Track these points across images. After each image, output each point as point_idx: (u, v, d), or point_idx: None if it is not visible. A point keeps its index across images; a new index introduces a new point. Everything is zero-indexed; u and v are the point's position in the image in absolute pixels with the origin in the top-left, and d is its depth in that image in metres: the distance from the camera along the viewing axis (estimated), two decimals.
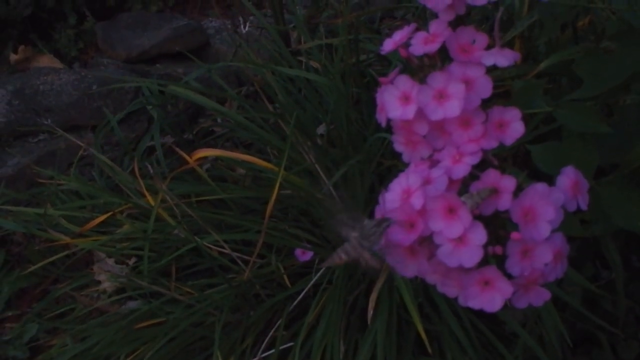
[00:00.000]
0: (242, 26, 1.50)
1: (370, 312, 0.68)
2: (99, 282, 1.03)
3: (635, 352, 0.82)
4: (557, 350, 0.71)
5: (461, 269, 0.34)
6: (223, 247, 0.96)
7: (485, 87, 0.36)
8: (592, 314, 0.82)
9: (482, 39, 0.36)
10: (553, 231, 0.34)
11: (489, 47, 0.36)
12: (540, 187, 0.34)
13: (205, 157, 1.26)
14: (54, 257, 1.04)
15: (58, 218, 1.05)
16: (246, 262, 0.94)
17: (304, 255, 0.99)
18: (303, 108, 1.11)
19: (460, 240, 0.33)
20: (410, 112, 0.36)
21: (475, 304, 0.34)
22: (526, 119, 0.38)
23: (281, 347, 0.81)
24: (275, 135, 1.06)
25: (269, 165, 0.94)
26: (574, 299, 0.85)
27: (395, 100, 0.36)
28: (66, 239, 1.02)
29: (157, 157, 1.21)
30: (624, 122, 0.51)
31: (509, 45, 0.89)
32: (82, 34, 1.61)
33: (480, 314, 0.76)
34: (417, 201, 0.33)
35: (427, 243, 0.34)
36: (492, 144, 0.36)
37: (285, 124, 1.01)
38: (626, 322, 0.88)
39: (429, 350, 0.62)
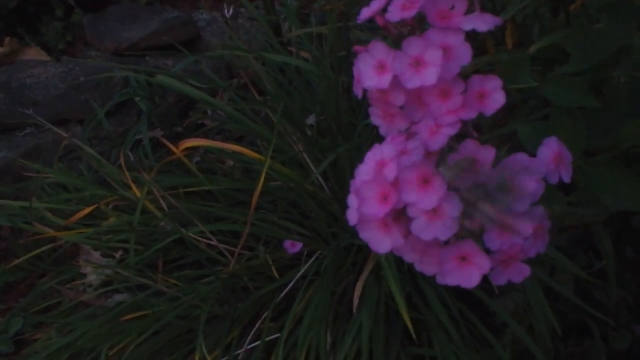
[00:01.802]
0: (232, 17, 1.48)
1: (356, 301, 0.66)
2: (85, 275, 1.02)
3: (627, 342, 0.80)
4: (547, 340, 0.70)
5: (438, 245, 0.32)
6: (211, 239, 0.94)
7: (464, 54, 0.34)
8: (584, 304, 0.81)
9: (462, 4, 0.34)
10: (533, 204, 0.32)
11: (469, 13, 0.35)
12: (521, 157, 0.32)
13: (195, 150, 1.24)
14: (39, 250, 1.02)
15: (44, 211, 1.04)
16: (234, 254, 0.92)
17: (293, 246, 0.97)
18: (293, 99, 1.09)
19: (434, 212, 0.31)
20: (385, 80, 0.34)
21: (452, 280, 0.32)
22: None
23: (268, 339, 0.79)
24: (266, 127, 1.04)
25: (257, 156, 0.92)
26: (566, 289, 0.84)
27: (371, 69, 0.35)
28: (52, 232, 1.00)
29: (146, 149, 1.19)
30: (614, 101, 0.49)
31: (501, 31, 0.88)
32: (70, 26, 1.60)
33: (470, 303, 0.74)
34: (390, 172, 0.32)
35: (402, 218, 0.32)
36: (472, 114, 0.34)
37: (273, 115, 0.99)
38: (618, 312, 0.86)
39: (415, 339, 0.61)
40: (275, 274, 0.91)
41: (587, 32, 0.44)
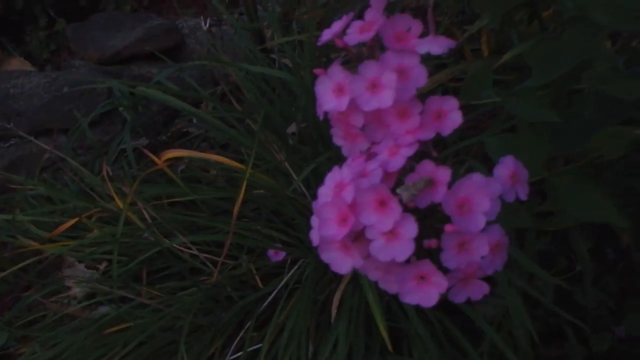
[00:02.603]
0: (215, 24, 1.48)
1: (334, 311, 0.66)
2: (70, 288, 1.02)
3: (607, 344, 0.81)
4: (526, 345, 0.70)
5: (399, 264, 0.32)
6: (195, 250, 0.94)
7: (420, 77, 0.35)
8: (564, 308, 0.81)
9: (417, 26, 0.35)
10: (490, 223, 0.33)
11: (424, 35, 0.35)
12: (477, 177, 0.33)
13: (180, 159, 1.24)
14: (24, 263, 1.02)
15: (28, 224, 1.04)
16: (216, 264, 0.92)
17: (276, 255, 0.98)
18: (275, 107, 1.09)
19: (392, 234, 0.31)
20: (343, 103, 0.34)
21: (412, 299, 0.33)
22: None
23: (251, 349, 0.79)
24: (248, 135, 1.05)
25: (238, 165, 0.93)
26: (547, 294, 0.85)
27: (330, 92, 0.35)
28: (36, 245, 1.00)
29: (129, 159, 1.19)
30: (582, 112, 0.50)
31: (477, 37, 0.88)
32: (54, 35, 1.60)
33: (450, 310, 0.75)
34: (348, 195, 0.32)
35: (362, 239, 0.33)
36: (429, 135, 0.35)
37: (254, 124, 1.00)
38: (599, 314, 0.87)
39: (390, 348, 0.61)
40: (259, 283, 0.92)
41: (548, 46, 0.44)
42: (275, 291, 0.86)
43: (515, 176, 0.34)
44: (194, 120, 1.43)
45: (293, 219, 0.99)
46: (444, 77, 0.71)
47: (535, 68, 0.45)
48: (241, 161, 0.97)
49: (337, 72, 0.35)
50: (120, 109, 1.28)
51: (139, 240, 0.99)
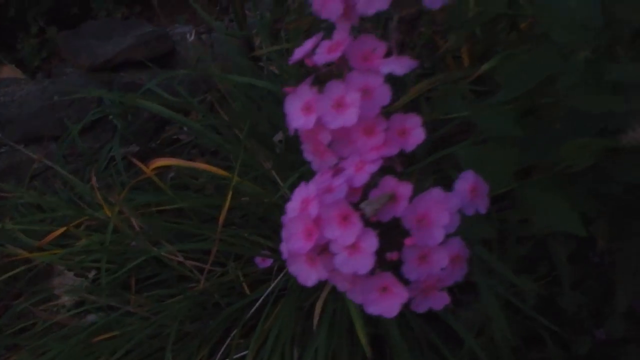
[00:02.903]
0: (206, 32, 1.50)
1: (316, 319, 0.68)
2: (59, 296, 1.03)
3: (587, 347, 0.82)
4: (506, 350, 0.72)
5: (362, 276, 0.34)
6: (183, 257, 0.95)
7: (384, 95, 0.36)
8: (547, 312, 0.83)
9: (382, 47, 0.36)
10: (450, 235, 0.34)
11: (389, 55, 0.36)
12: (436, 192, 0.34)
13: (169, 167, 1.25)
14: (13, 272, 1.03)
15: (17, 232, 1.04)
16: (206, 271, 0.93)
17: (263, 262, 0.99)
18: (262, 115, 1.11)
19: (354, 247, 0.33)
20: (311, 121, 0.36)
21: (375, 309, 0.34)
22: None
23: (237, 356, 0.80)
24: (236, 143, 1.06)
25: (224, 173, 0.94)
26: (530, 298, 0.86)
27: (298, 110, 0.36)
28: (25, 254, 1.01)
29: (118, 167, 1.20)
30: (552, 122, 0.51)
31: (458, 47, 0.90)
32: (46, 43, 1.61)
33: (431, 317, 0.76)
34: (313, 210, 0.33)
35: (327, 252, 0.34)
36: (393, 151, 0.36)
37: (240, 132, 1.01)
38: (579, 317, 0.88)
39: (369, 355, 0.63)
40: (247, 289, 0.93)
41: (516, 62, 0.46)
42: (262, 298, 0.88)
43: (476, 190, 0.36)
44: (185, 128, 1.44)
45: (280, 225, 1.00)
46: (425, 86, 0.72)
47: (503, 83, 0.46)
48: (230, 168, 0.98)
49: (305, 92, 0.36)
50: (110, 117, 1.29)
51: (127, 248, 1.00)
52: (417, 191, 0.35)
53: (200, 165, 0.99)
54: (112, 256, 0.99)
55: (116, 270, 0.98)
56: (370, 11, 0.35)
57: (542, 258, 0.99)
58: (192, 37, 1.14)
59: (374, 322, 0.74)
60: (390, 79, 0.87)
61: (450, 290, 0.85)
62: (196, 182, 1.16)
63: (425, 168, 0.63)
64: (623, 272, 0.68)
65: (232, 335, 0.84)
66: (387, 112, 0.61)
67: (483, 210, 0.36)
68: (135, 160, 1.03)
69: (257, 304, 0.87)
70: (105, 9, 1.71)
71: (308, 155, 0.39)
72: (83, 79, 1.49)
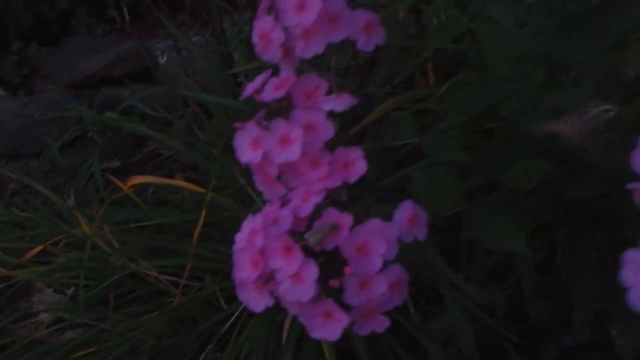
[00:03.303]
0: (185, 48, 1.51)
1: (285, 334, 0.70)
2: (39, 313, 1.04)
3: (555, 355, 0.85)
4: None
5: (307, 302, 0.36)
6: (161, 272, 0.97)
7: (327, 131, 0.38)
8: (516, 320, 0.85)
9: (324, 85, 0.39)
10: (389, 262, 0.36)
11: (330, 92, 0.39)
12: (375, 223, 0.36)
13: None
14: None
15: None
16: (183, 286, 0.95)
17: None
18: None
19: (296, 276, 0.35)
20: (258, 156, 0.38)
21: (319, 334, 0.36)
22: None
23: None
24: (215, 158, 1.08)
25: (200, 190, 0.96)
26: (499, 307, 0.88)
27: (247, 145, 0.39)
28: (5, 271, 1.02)
29: (97, 183, 1.22)
30: (502, 145, 0.54)
31: (421, 67, 0.93)
32: (26, 59, 1.62)
33: (398, 328, 0.78)
34: (259, 241, 0.36)
35: (273, 281, 0.36)
36: (337, 182, 0.38)
37: (215, 149, 1.03)
38: (548, 325, 0.91)
39: None
40: (223, 304, 0.95)
41: (462, 89, 0.48)
42: (237, 312, 0.89)
43: (414, 218, 0.38)
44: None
45: None
46: (389, 106, 0.74)
47: (451, 109, 0.49)
48: (209, 183, 1.00)
49: (252, 128, 0.39)
50: (90, 134, 1.31)
51: (106, 264, 1.01)
52: (365, 219, 0.38)
53: (177, 183, 1.01)
54: (91, 273, 1.00)
55: (95, 286, 0.99)
56: (308, 55, 0.37)
57: (511, 266, 1.02)
58: (171, 53, 1.16)
59: (342, 335, 0.76)
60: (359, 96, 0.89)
61: (419, 301, 0.88)
62: (175, 198, 1.18)
63: (388, 189, 0.65)
64: (579, 286, 0.71)
65: (207, 350, 0.86)
66: (354, 131, 0.63)
67: (421, 237, 0.38)
68: (112, 178, 1.05)
69: (232, 318, 0.89)
70: (86, 25, 1.73)
71: (260, 186, 0.41)
72: (64, 95, 1.51)
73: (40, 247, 0.98)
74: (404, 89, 1.06)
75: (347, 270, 0.35)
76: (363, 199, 0.38)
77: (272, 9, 0.37)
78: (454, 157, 0.46)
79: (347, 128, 0.66)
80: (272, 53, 0.38)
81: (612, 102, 0.36)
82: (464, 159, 0.46)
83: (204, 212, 0.88)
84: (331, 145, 0.45)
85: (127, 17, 1.75)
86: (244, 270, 0.36)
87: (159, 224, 1.11)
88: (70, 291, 1.06)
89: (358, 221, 0.38)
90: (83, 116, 1.35)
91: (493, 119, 0.52)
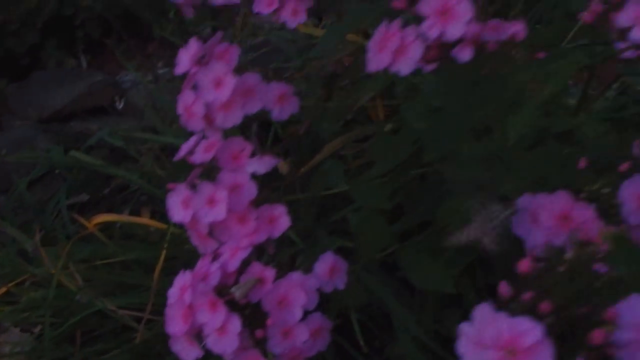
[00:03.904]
0: (154, 79, 1.54)
1: None
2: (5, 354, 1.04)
3: None
4: None
5: (233, 353, 0.39)
6: (128, 308, 0.99)
7: (251, 191, 0.41)
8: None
9: (249, 148, 0.42)
10: (310, 312, 0.39)
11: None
12: (295, 276, 0.40)
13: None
14: None
15: None
16: (148, 322, 0.97)
17: None
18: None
19: (222, 329, 0.38)
20: (188, 216, 0.41)
21: None
22: None
23: None
24: None
25: (162, 225, 0.98)
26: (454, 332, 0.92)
27: (179, 205, 0.42)
28: None
29: (64, 220, 1.23)
30: (431, 187, 0.57)
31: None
32: None
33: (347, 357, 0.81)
34: (187, 298, 0.39)
35: (202, 333, 0.39)
36: (262, 238, 0.41)
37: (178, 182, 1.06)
38: None
39: None
40: None
41: (386, 139, 0.52)
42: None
43: (334, 269, 0.41)
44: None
45: None
46: (338, 144, 0.78)
47: (376, 159, 0.52)
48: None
49: (182, 190, 0.42)
50: (57, 171, 1.33)
51: (71, 302, 1.03)
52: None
53: (140, 220, 1.03)
54: (57, 311, 1.01)
55: (61, 324, 1.00)
56: (227, 125, 0.41)
57: (470, 290, 1.05)
58: (139, 85, 1.19)
59: None
60: (310, 134, 0.93)
61: (372, 330, 0.91)
62: (141, 232, 1.20)
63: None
64: None
65: None
66: (303, 171, 0.66)
67: (342, 286, 0.41)
68: (77, 216, 1.07)
69: None
70: (55, 59, 1.75)
71: (194, 241, 0.44)
72: (32, 131, 1.52)
73: (4, 289, 0.99)
74: (360, 122, 1.10)
75: (269, 322, 0.38)
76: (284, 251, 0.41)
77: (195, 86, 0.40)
78: (381, 203, 0.49)
79: (298, 166, 0.70)
80: (195, 124, 0.41)
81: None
82: (389, 205, 0.49)
83: (164, 250, 0.91)
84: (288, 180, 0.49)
85: (96, 49, 1.78)
86: (176, 325, 0.39)
87: (125, 260, 1.13)
88: (37, 330, 1.07)
89: (285, 272, 0.41)
90: (50, 153, 1.37)
91: (418, 165, 0.55)
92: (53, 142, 1.47)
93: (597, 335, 0.23)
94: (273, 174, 0.83)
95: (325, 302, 0.65)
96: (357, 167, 0.82)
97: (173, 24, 1.52)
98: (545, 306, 0.23)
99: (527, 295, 0.24)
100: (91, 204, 1.44)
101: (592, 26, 0.34)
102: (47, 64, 1.81)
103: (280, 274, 0.40)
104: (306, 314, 0.40)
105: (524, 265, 0.26)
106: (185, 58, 0.41)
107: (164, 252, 0.91)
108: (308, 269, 0.41)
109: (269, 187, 0.45)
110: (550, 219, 0.35)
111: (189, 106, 0.40)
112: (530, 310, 0.24)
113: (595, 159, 0.46)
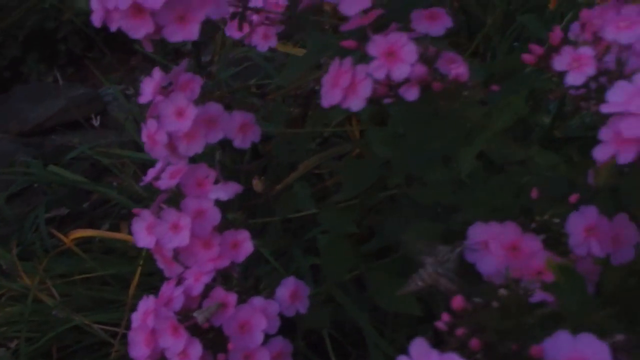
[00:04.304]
0: (134, 96, 1.55)
1: None
2: None
3: None
4: None
5: None
6: (104, 323, 0.99)
7: (214, 216, 0.43)
8: None
9: (213, 175, 0.43)
10: (273, 335, 0.41)
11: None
12: (257, 301, 0.41)
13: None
14: None
15: None
16: (125, 337, 0.97)
17: None
18: None
19: (183, 354, 0.39)
20: (152, 242, 0.42)
21: None
22: None
23: None
24: None
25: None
26: None
27: (143, 231, 0.43)
28: None
29: (42, 234, 1.23)
30: (392, 214, 0.59)
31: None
32: None
33: None
34: (150, 322, 0.39)
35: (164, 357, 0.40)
36: (226, 263, 0.42)
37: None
38: None
39: None
40: None
41: (353, 165, 0.53)
42: None
43: (295, 294, 0.42)
44: (115, 184, 1.48)
45: None
46: (312, 163, 0.79)
47: (345, 183, 0.54)
48: None
49: (147, 215, 0.43)
50: (36, 185, 1.33)
51: (49, 317, 1.03)
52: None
53: (116, 235, 1.04)
54: (34, 326, 1.01)
55: (37, 339, 1.00)
56: (190, 154, 0.42)
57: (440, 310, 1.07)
58: (121, 98, 1.20)
59: None
60: (288, 148, 0.94)
61: (345, 346, 0.91)
62: (120, 246, 1.20)
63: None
64: None
65: None
66: (279, 188, 0.67)
67: (303, 310, 0.42)
68: (54, 231, 1.08)
69: None
70: (36, 72, 1.75)
71: (160, 265, 0.45)
72: (14, 144, 1.52)
73: None
74: (338, 140, 1.11)
75: (230, 346, 0.39)
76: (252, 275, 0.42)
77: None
78: (347, 227, 0.51)
79: (275, 184, 0.71)
80: (158, 152, 0.42)
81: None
82: (355, 229, 0.51)
83: (140, 264, 0.91)
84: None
85: (79, 63, 1.79)
86: (139, 349, 0.40)
87: (103, 275, 1.13)
88: (13, 344, 1.07)
89: (249, 296, 0.42)
90: (30, 167, 1.37)
91: (385, 189, 0.57)
92: (33, 156, 1.47)
93: None
94: (249, 191, 0.84)
95: (292, 325, 0.66)
96: (333, 185, 0.83)
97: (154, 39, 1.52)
98: (474, 343, 0.25)
99: (460, 331, 0.25)
100: (71, 218, 1.44)
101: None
102: (28, 77, 1.81)
103: (244, 299, 0.41)
104: (268, 337, 0.41)
105: (457, 303, 0.27)
106: (148, 88, 0.42)
107: (139, 268, 0.92)
108: (270, 294, 0.42)
109: (245, 206, 0.46)
110: (499, 248, 0.36)
111: (152, 135, 0.41)
112: (463, 346, 0.25)
113: (551, 188, 0.47)
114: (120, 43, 1.82)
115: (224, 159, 0.42)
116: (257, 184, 0.54)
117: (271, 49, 0.57)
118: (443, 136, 0.38)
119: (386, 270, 0.55)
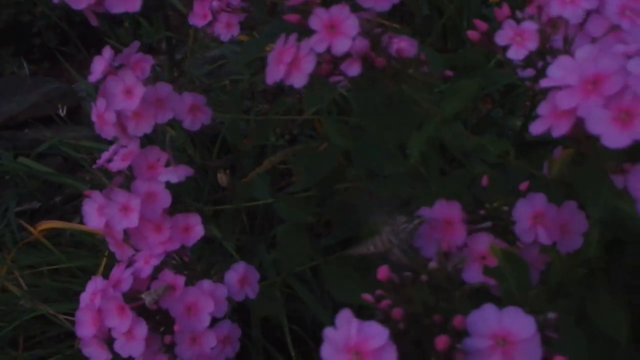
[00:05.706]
0: None
1: None
2: None
3: None
4: None
5: (141, 357, 0.40)
6: (70, 314, 0.98)
7: (165, 199, 0.43)
8: None
9: (164, 157, 0.43)
10: (220, 319, 0.41)
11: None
12: (205, 284, 0.41)
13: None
14: None
15: None
16: None
17: None
18: None
19: (129, 334, 0.39)
20: (101, 223, 0.42)
21: None
22: None
23: None
24: None
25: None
26: None
27: (94, 212, 0.43)
28: None
29: (11, 227, 1.22)
30: (350, 206, 0.59)
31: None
32: None
33: None
34: (97, 302, 0.39)
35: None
36: (176, 246, 0.43)
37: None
38: None
39: None
40: None
41: (307, 156, 0.54)
42: None
43: (245, 279, 0.43)
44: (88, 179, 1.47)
45: None
46: (277, 159, 0.79)
47: (299, 173, 0.54)
48: None
49: (98, 197, 0.43)
50: (6, 177, 1.32)
51: (16, 307, 1.02)
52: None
53: (84, 228, 1.03)
54: (0, 315, 1.01)
55: (4, 328, 1.00)
56: (139, 134, 0.42)
57: None
58: (92, 95, 1.19)
59: None
60: (256, 147, 0.94)
61: (302, 339, 0.91)
62: (91, 240, 1.19)
63: None
64: None
65: None
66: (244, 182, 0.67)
67: (253, 296, 0.43)
68: (23, 223, 1.07)
69: None
70: (10, 66, 1.74)
71: (111, 247, 0.45)
72: None
73: None
74: (306, 136, 1.12)
75: (175, 328, 0.39)
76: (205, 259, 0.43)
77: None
78: (303, 218, 0.51)
79: (241, 178, 0.71)
80: (107, 131, 0.42)
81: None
82: (311, 219, 0.51)
83: (105, 255, 0.91)
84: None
85: (54, 57, 1.77)
86: (85, 328, 0.40)
87: (70, 267, 1.12)
88: None
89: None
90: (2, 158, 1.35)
91: (342, 181, 0.57)
92: (5, 148, 1.46)
93: (440, 341, 0.24)
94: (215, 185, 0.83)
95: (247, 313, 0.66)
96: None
97: (128, 35, 1.52)
98: (396, 312, 0.25)
99: (384, 303, 0.26)
100: (42, 211, 1.43)
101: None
102: (2, 71, 1.79)
103: (193, 282, 0.41)
104: (216, 321, 0.41)
105: (382, 273, 0.27)
106: (98, 67, 0.42)
107: (104, 260, 0.91)
108: (220, 278, 0.42)
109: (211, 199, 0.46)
110: (439, 227, 0.37)
111: (101, 114, 0.41)
112: (388, 317, 0.25)
113: (507, 179, 0.48)
114: (95, 39, 1.81)
115: (194, 155, 0.42)
116: (222, 178, 0.54)
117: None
118: (397, 124, 0.39)
119: (342, 264, 0.55)
